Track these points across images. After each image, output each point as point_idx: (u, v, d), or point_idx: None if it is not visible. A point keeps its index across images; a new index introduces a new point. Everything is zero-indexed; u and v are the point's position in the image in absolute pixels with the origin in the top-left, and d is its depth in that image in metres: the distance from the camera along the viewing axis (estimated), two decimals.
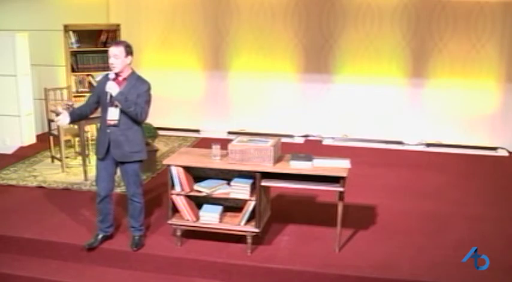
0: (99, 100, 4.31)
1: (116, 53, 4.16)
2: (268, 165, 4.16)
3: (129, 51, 4.23)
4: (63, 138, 6.29)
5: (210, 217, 4.35)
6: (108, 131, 4.22)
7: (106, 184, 4.39)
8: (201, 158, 4.38)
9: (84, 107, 4.46)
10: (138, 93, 4.20)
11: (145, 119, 4.29)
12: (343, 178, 4.07)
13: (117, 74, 4.22)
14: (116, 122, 4.20)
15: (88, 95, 7.30)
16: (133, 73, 4.29)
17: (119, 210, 5.05)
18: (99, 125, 4.51)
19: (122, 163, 4.32)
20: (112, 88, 4.15)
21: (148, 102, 4.27)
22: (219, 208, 4.41)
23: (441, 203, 5.42)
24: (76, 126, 6.14)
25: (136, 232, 4.44)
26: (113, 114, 4.20)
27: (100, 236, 4.47)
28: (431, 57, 7.49)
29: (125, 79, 4.24)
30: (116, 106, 4.18)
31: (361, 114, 7.82)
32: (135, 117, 4.19)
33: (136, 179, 4.37)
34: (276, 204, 4.98)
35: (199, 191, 4.33)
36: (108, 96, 4.17)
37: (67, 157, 6.54)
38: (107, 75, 4.30)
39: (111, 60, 4.18)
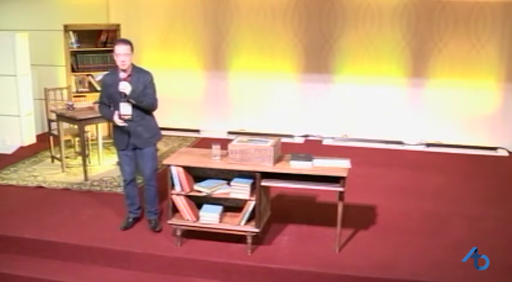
0: (110, 98, 4.47)
1: (127, 52, 4.35)
2: (268, 165, 4.16)
3: (133, 47, 4.46)
4: (63, 138, 6.29)
5: (210, 217, 4.35)
6: (126, 125, 4.44)
7: (130, 168, 4.65)
8: (201, 158, 4.38)
9: (107, 109, 4.58)
10: (144, 84, 4.43)
11: (157, 106, 4.54)
12: (343, 178, 4.07)
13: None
14: (129, 117, 4.41)
15: (88, 95, 7.35)
16: (133, 66, 4.49)
17: (120, 210, 5.05)
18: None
19: (141, 150, 4.58)
20: (126, 88, 4.33)
21: (155, 90, 4.53)
22: (219, 208, 4.41)
23: (441, 203, 5.43)
24: (76, 126, 6.14)
25: (153, 215, 4.71)
26: (127, 109, 4.39)
27: (131, 219, 4.75)
28: (431, 57, 7.49)
29: (129, 75, 4.43)
30: (129, 101, 4.38)
31: (361, 114, 7.82)
32: (147, 108, 4.48)
33: (153, 162, 4.65)
34: (276, 204, 4.98)
35: (199, 191, 4.33)
36: (123, 96, 4.34)
37: (67, 157, 6.54)
38: (109, 73, 4.52)
39: (122, 58, 4.34)
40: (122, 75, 4.38)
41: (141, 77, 4.44)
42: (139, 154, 4.60)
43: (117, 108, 4.43)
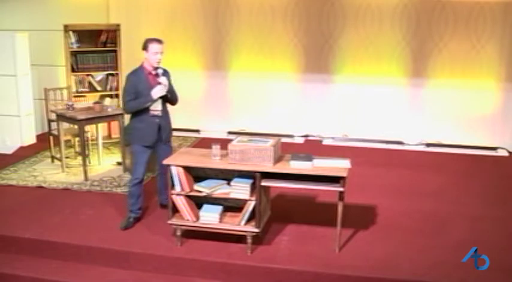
0: (139, 95, 4.61)
1: (163, 51, 4.66)
2: (268, 165, 4.16)
3: None
4: (63, 138, 6.29)
5: (210, 217, 4.35)
6: (157, 120, 4.70)
7: (143, 169, 4.77)
8: (201, 158, 4.38)
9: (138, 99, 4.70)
10: (168, 80, 4.71)
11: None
12: (343, 178, 4.07)
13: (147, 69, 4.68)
14: (159, 112, 4.70)
15: (88, 95, 7.36)
16: None
17: (120, 210, 5.06)
18: (141, 116, 4.70)
19: (164, 143, 4.83)
20: (166, 82, 4.63)
21: None
22: (219, 208, 4.41)
23: (441, 203, 5.42)
24: (76, 126, 6.14)
25: None
26: (158, 104, 4.67)
27: (132, 219, 4.78)
28: (431, 57, 7.49)
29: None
30: (163, 96, 4.67)
31: (361, 114, 7.82)
32: (175, 101, 4.81)
33: (172, 152, 4.83)
34: (276, 204, 4.98)
35: (199, 191, 4.33)
36: (165, 90, 4.61)
37: (67, 157, 6.54)
38: (133, 72, 4.68)
39: (159, 56, 4.64)
40: (160, 71, 4.64)
41: (165, 74, 4.72)
42: (162, 148, 4.80)
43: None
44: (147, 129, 4.68)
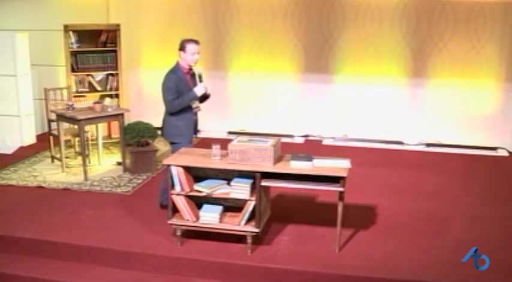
0: (179, 93, 4.76)
1: (199, 51, 4.82)
2: (268, 165, 4.16)
3: None
4: (63, 138, 6.29)
5: (210, 217, 4.35)
6: (195, 117, 4.94)
7: None
8: (201, 158, 4.38)
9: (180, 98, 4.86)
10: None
11: None
12: (343, 178, 4.07)
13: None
14: (199, 108, 4.93)
15: (88, 95, 7.36)
16: None
17: (120, 210, 5.05)
18: (182, 114, 4.85)
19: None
20: (205, 81, 4.85)
21: None
22: (219, 208, 4.41)
23: (441, 203, 5.43)
24: (76, 126, 6.14)
25: None
26: (196, 101, 4.89)
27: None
28: (431, 57, 7.49)
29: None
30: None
31: (361, 114, 7.82)
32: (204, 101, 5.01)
33: None
34: (276, 204, 4.98)
35: (199, 191, 4.33)
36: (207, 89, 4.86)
37: (67, 157, 6.54)
38: (173, 72, 4.79)
39: (196, 56, 4.81)
40: (199, 70, 4.83)
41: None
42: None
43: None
44: (188, 126, 4.90)
